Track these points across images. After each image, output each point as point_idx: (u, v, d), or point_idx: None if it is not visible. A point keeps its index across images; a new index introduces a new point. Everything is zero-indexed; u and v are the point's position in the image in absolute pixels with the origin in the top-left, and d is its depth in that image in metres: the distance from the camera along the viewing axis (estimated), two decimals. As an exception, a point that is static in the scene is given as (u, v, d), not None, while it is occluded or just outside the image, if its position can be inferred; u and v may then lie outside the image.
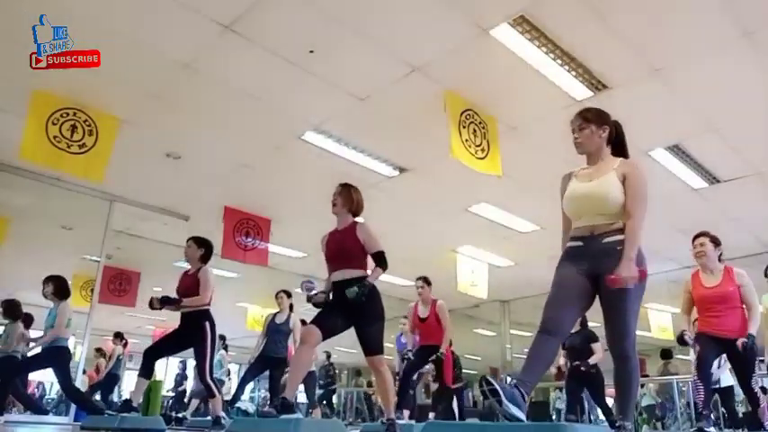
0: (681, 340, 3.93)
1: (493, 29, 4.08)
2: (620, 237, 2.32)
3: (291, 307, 6.34)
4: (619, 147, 2.55)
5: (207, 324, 4.26)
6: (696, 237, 4.01)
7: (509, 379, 2.30)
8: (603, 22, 4.01)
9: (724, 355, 4.05)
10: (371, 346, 3.24)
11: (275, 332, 6.08)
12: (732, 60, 4.37)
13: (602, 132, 2.49)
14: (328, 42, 4.30)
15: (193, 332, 4.25)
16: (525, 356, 2.26)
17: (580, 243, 2.41)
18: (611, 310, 2.32)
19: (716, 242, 3.95)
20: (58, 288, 5.11)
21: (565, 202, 2.51)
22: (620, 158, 2.50)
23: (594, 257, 2.33)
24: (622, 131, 2.57)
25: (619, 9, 3.90)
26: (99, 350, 9.38)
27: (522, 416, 2.03)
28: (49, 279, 5.14)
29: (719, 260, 3.95)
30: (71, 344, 5.29)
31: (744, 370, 3.88)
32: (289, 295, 6.35)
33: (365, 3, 3.91)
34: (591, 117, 2.50)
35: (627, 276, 2.20)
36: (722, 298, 3.82)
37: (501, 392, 2.01)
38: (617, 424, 2.36)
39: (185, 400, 9.78)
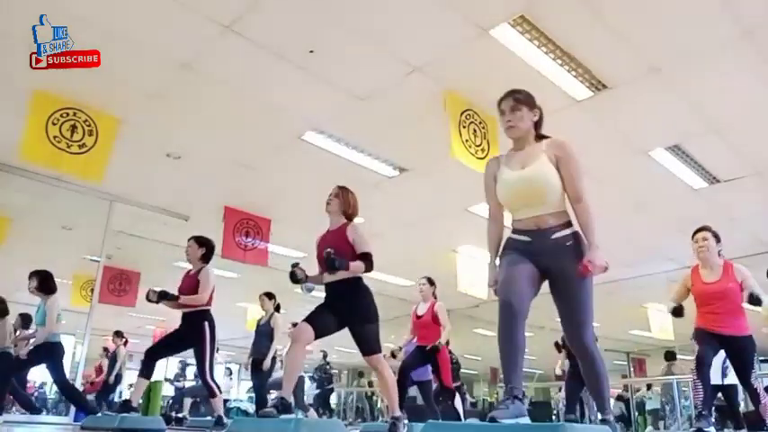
0: (677, 312, 3.95)
1: (493, 29, 4.08)
2: (568, 231, 2.24)
3: (278, 308, 6.39)
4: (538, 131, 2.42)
5: (206, 324, 4.27)
6: (697, 231, 4.00)
7: (501, 392, 2.26)
8: (603, 22, 4.01)
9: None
10: (367, 346, 3.25)
11: (259, 334, 6.27)
12: (732, 60, 4.37)
13: (533, 116, 2.37)
14: (328, 42, 4.30)
15: (193, 332, 4.26)
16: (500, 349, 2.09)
17: (527, 238, 2.28)
18: (570, 301, 2.24)
19: (717, 237, 3.95)
20: (42, 283, 5.10)
21: (499, 191, 2.38)
22: (545, 139, 2.36)
23: (544, 254, 2.23)
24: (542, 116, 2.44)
25: (619, 9, 3.90)
26: (106, 350, 9.35)
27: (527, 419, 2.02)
28: (32, 274, 5.14)
29: (719, 256, 3.95)
30: (70, 341, 5.30)
31: (743, 366, 3.86)
32: (269, 297, 6.41)
33: (365, 3, 3.90)
34: (523, 99, 2.37)
35: (598, 264, 2.13)
36: (721, 294, 3.81)
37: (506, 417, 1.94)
38: (600, 418, 2.35)
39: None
